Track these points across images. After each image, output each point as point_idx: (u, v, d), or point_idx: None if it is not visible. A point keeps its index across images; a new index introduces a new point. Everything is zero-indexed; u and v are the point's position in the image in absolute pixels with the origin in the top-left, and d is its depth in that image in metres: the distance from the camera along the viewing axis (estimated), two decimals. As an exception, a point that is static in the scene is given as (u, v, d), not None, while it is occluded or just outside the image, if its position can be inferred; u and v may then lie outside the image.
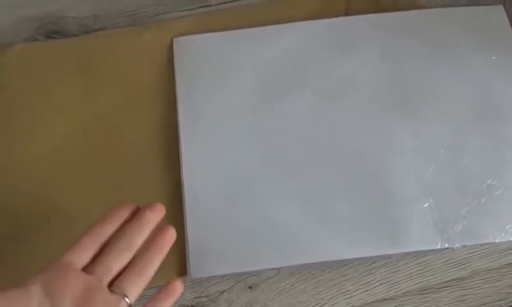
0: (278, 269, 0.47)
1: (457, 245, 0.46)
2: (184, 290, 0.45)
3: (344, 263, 0.47)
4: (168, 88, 0.51)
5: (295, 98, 0.50)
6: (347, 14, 0.53)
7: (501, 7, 0.53)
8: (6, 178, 0.48)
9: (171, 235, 0.39)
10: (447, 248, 0.46)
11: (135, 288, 0.36)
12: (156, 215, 0.39)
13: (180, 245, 0.46)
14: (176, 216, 0.47)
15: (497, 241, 0.46)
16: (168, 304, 0.38)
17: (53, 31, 0.55)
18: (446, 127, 0.49)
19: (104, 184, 0.48)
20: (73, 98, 0.51)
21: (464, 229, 0.46)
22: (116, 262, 0.36)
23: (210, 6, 0.55)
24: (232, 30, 0.52)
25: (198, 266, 0.46)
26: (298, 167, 0.48)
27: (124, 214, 0.38)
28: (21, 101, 0.51)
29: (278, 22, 0.53)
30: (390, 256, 0.47)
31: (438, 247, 0.46)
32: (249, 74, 0.51)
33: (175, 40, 0.52)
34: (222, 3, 0.55)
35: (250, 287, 0.47)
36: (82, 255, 0.35)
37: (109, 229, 0.37)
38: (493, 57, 0.51)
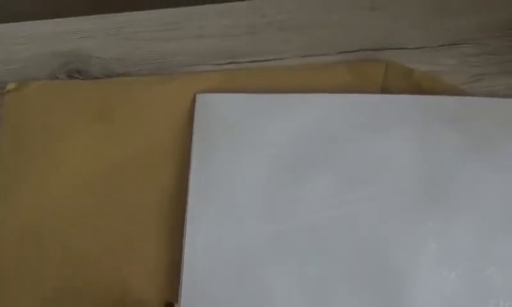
0: None
1: None
2: None
3: None
4: (185, 146, 0.48)
5: (314, 179, 0.46)
6: (383, 91, 0.49)
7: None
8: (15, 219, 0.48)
9: None
10: None
11: None
12: None
13: None
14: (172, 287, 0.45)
15: None
16: None
17: (75, 70, 0.53)
18: (480, 235, 0.44)
19: (104, 240, 0.47)
20: (85, 144, 0.49)
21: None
22: None
23: (239, 62, 0.52)
24: (259, 93, 0.49)
25: None
26: (308, 255, 0.44)
27: None
28: (35, 139, 0.50)
29: (308, 90, 0.49)
30: None
31: None
32: (271, 145, 0.47)
33: (198, 96, 0.49)
34: (252, 61, 0.52)
35: None
36: None
37: None
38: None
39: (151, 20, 0.54)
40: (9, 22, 0.54)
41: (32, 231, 0.47)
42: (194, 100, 0.49)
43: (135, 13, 0.54)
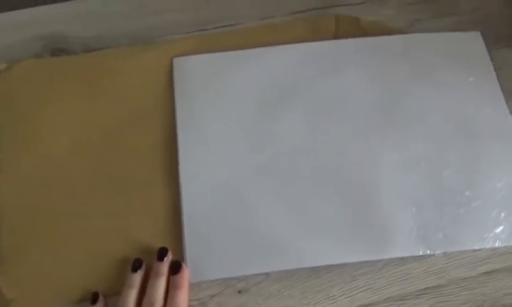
0: (267, 274, 0.49)
1: (438, 252, 0.48)
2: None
3: (330, 269, 0.49)
4: (167, 106, 0.54)
5: (287, 115, 0.53)
6: (336, 38, 0.57)
7: (478, 33, 0.57)
8: (10, 187, 0.51)
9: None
10: (428, 255, 0.49)
11: None
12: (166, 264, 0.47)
13: (179, 251, 0.49)
14: (175, 225, 0.50)
15: (476, 248, 0.49)
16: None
17: (58, 49, 0.57)
18: (427, 143, 0.52)
19: (103, 196, 0.51)
20: (76, 111, 0.54)
21: (445, 237, 0.49)
22: None
23: (207, 29, 0.59)
24: (229, 51, 0.56)
25: (195, 271, 0.48)
26: (289, 178, 0.51)
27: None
28: (26, 112, 0.53)
29: (271, 45, 0.56)
30: (373, 263, 0.49)
31: (420, 253, 0.48)
32: (244, 92, 0.54)
33: (175, 60, 0.55)
34: (218, 27, 0.59)
35: (239, 291, 0.49)
36: None
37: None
38: (471, 79, 0.55)
39: (124, 2, 0.60)
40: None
41: (39, 195, 0.51)
42: (171, 65, 0.55)
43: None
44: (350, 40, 0.56)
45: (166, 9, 0.59)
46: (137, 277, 0.46)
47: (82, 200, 0.51)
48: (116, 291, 0.47)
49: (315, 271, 0.49)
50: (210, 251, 0.49)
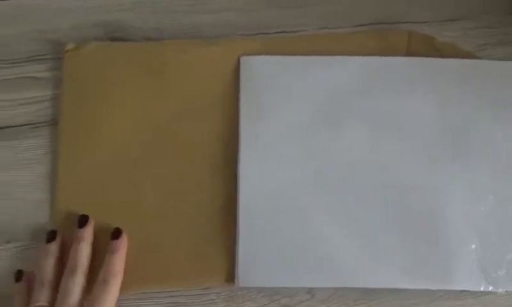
0: (312, 294, 0.49)
1: (500, 290, 0.46)
2: (219, 302, 0.48)
3: (381, 295, 0.48)
4: (229, 103, 0.53)
5: (348, 128, 0.52)
6: (407, 55, 0.54)
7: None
8: (70, 170, 0.51)
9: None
10: (488, 292, 0.47)
11: None
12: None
13: (230, 253, 0.49)
14: (228, 225, 0.50)
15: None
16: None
17: (118, 38, 0.56)
18: (496, 175, 0.50)
19: (160, 187, 0.51)
20: (138, 98, 0.53)
21: (508, 275, 0.47)
22: None
23: (268, 33, 0.57)
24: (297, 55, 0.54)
25: (245, 276, 0.48)
26: (347, 194, 0.50)
27: None
28: (90, 94, 0.53)
29: (338, 54, 0.54)
30: (428, 294, 0.48)
31: (482, 289, 0.47)
32: (307, 99, 0.53)
33: (242, 58, 0.54)
34: (278, 32, 0.57)
35: (282, 307, 0.48)
36: None
37: None
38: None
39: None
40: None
41: (100, 177, 0.51)
42: (237, 62, 0.54)
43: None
44: (423, 59, 0.54)
45: (228, 8, 0.58)
46: (53, 246, 0.47)
47: (137, 191, 0.51)
48: (166, 284, 0.49)
49: (365, 295, 0.48)
50: (261, 257, 0.48)
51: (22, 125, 0.53)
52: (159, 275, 0.49)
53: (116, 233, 0.47)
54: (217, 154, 0.52)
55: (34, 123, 0.53)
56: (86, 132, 0.52)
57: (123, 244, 0.47)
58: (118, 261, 0.46)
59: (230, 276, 0.48)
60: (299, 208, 0.49)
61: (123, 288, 0.47)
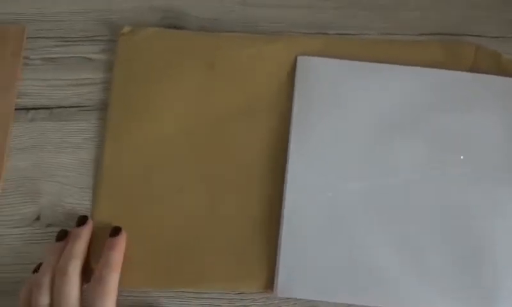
0: None
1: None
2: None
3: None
4: (282, 103, 0.51)
5: (405, 142, 0.50)
6: (472, 70, 0.52)
7: None
8: (118, 154, 0.50)
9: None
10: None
11: None
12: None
13: (271, 260, 0.47)
14: (270, 231, 0.48)
15: None
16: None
17: (174, 25, 0.55)
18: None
19: (205, 186, 0.50)
20: (191, 89, 0.52)
21: None
22: None
23: (327, 34, 0.55)
24: (356, 60, 0.52)
25: (284, 286, 0.46)
26: (398, 212, 0.48)
27: None
28: (143, 79, 0.52)
29: (402, 62, 0.52)
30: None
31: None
32: (363, 108, 0.51)
33: (299, 58, 0.52)
34: (339, 34, 0.55)
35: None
36: None
37: None
38: None
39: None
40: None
41: (145, 168, 0.50)
42: (294, 61, 0.52)
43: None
44: (490, 77, 0.51)
45: (288, 4, 0.56)
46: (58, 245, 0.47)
47: (181, 189, 0.50)
48: (202, 285, 0.47)
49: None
50: (302, 268, 0.47)
51: (71, 106, 0.53)
52: (195, 276, 0.48)
53: (115, 231, 0.47)
54: (265, 157, 0.50)
55: (83, 106, 0.53)
56: (134, 121, 0.51)
57: (121, 241, 0.47)
58: (117, 258, 0.46)
59: (269, 284, 0.47)
60: (347, 222, 0.48)
61: (158, 284, 0.47)
